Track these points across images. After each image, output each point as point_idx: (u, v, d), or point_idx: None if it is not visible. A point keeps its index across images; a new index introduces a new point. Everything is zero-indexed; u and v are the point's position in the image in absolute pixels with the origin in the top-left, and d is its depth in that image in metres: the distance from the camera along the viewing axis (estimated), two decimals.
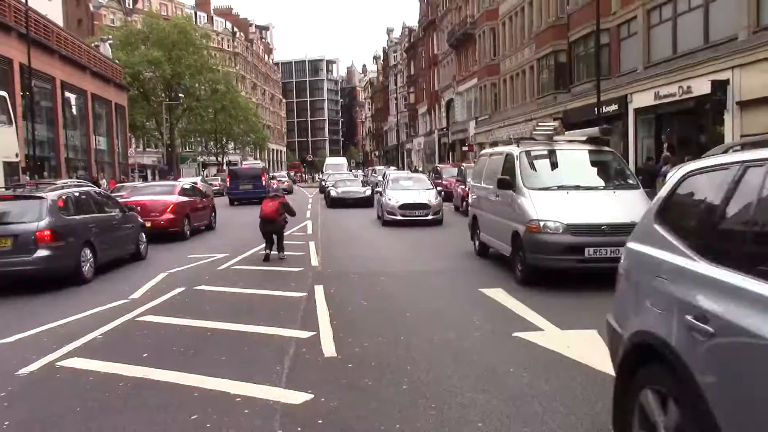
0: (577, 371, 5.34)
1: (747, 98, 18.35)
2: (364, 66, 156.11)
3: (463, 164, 28.62)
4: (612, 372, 5.21)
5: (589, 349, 5.93)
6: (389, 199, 19.29)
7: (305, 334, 6.80)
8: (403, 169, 47.04)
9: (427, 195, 19.58)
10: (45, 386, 5.43)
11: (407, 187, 20.17)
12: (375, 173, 47.02)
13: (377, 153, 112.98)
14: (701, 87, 19.97)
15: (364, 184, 31.09)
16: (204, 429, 4.43)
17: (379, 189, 25.73)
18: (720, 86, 18.85)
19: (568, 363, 5.57)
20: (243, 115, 67.03)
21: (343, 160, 59.11)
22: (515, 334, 6.56)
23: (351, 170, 55.30)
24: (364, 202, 27.07)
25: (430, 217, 18.76)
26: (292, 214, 13.20)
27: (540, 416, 4.43)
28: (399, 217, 18.74)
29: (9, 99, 20.17)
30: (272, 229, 12.55)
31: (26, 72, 24.05)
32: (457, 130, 56.67)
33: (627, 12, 25.79)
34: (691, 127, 22.80)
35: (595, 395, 4.79)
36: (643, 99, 24.64)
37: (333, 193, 28.32)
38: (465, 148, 51.26)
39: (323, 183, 38.34)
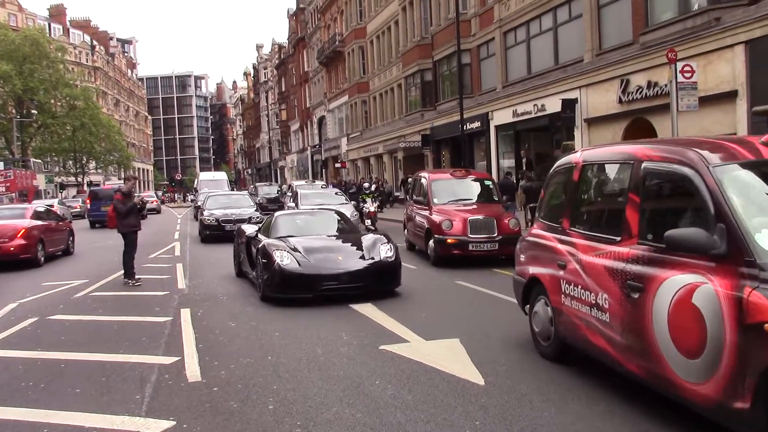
0: (439, 379, 5.54)
1: (593, 115, 19.92)
2: (234, 82, 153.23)
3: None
4: (471, 378, 5.51)
5: (450, 357, 6.18)
6: None
7: (168, 360, 6.57)
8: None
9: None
10: None
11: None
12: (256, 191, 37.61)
13: (249, 171, 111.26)
14: (553, 105, 21.43)
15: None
16: None
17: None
18: (569, 104, 20.31)
19: (431, 372, 5.76)
20: (104, 133, 63.81)
21: (222, 175, 44.30)
22: (382, 347, 6.69)
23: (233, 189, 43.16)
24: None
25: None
26: (131, 199, 12.21)
27: (403, 426, 4.55)
28: None
29: None
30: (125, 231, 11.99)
31: None
32: (330, 147, 57.07)
33: (485, 33, 27.23)
34: (546, 142, 24.38)
35: (455, 401, 5.00)
36: (502, 116, 26.06)
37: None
38: (338, 165, 51.72)
39: (199, 207, 26.56)
